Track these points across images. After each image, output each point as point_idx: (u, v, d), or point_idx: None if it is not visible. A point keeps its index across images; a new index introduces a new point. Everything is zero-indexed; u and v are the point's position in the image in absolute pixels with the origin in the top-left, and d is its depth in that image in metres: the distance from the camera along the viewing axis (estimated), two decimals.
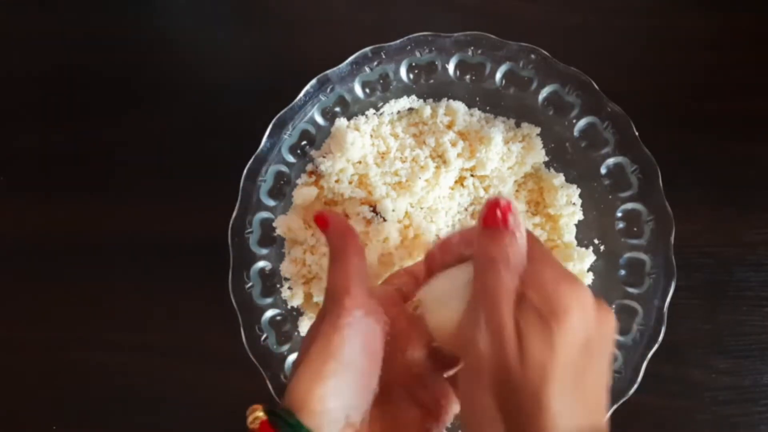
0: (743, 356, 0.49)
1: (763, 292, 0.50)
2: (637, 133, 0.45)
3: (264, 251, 0.46)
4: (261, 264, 0.46)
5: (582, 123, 0.47)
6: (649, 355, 0.42)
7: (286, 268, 0.46)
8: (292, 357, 0.45)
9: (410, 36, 0.47)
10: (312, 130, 0.47)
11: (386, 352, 0.31)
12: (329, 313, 0.29)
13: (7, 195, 0.54)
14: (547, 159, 0.49)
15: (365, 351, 0.29)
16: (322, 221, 0.33)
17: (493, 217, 0.27)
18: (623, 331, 0.43)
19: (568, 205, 0.47)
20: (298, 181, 0.47)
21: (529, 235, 0.28)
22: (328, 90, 0.47)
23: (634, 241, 0.45)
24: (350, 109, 0.48)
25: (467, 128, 0.48)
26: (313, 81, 0.46)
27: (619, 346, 0.43)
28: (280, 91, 0.46)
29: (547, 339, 0.25)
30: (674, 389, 0.49)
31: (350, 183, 0.46)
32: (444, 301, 0.30)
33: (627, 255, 0.45)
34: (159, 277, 0.51)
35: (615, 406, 0.41)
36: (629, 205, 0.46)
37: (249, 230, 0.45)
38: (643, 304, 0.43)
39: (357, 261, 0.31)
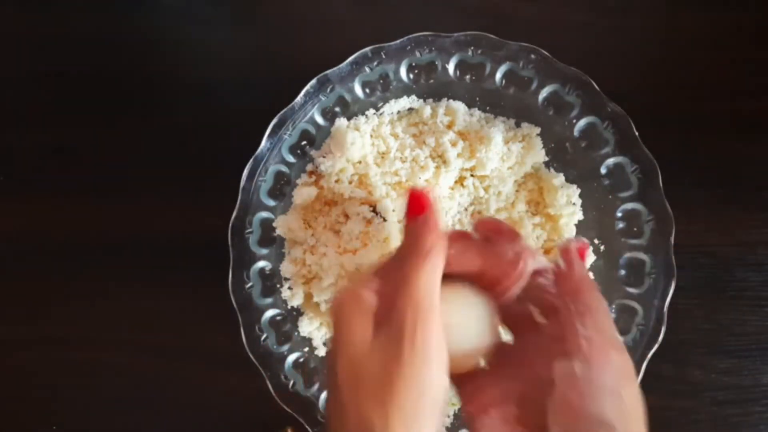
0: (743, 356, 0.49)
1: (763, 292, 0.50)
2: (637, 133, 0.45)
3: (264, 251, 0.46)
4: (261, 264, 0.46)
5: (582, 123, 0.47)
6: (649, 355, 0.42)
7: (286, 268, 0.46)
8: (292, 357, 0.45)
9: (410, 36, 0.47)
10: (312, 130, 0.47)
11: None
12: (419, 340, 0.26)
13: (7, 195, 0.54)
14: (547, 159, 0.49)
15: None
16: (417, 205, 0.30)
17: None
18: (623, 331, 0.43)
19: (568, 205, 0.47)
20: (298, 181, 0.47)
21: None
22: (328, 90, 0.47)
23: (634, 241, 0.45)
24: (350, 109, 0.48)
25: (467, 128, 0.48)
26: (313, 81, 0.46)
27: None
28: (280, 91, 0.46)
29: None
30: (674, 389, 0.49)
31: (350, 183, 0.46)
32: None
33: (627, 255, 0.45)
34: (158, 277, 0.51)
35: None
36: (629, 205, 0.46)
37: (249, 230, 0.45)
38: (643, 304, 0.43)
39: (442, 264, 0.29)
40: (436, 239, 0.29)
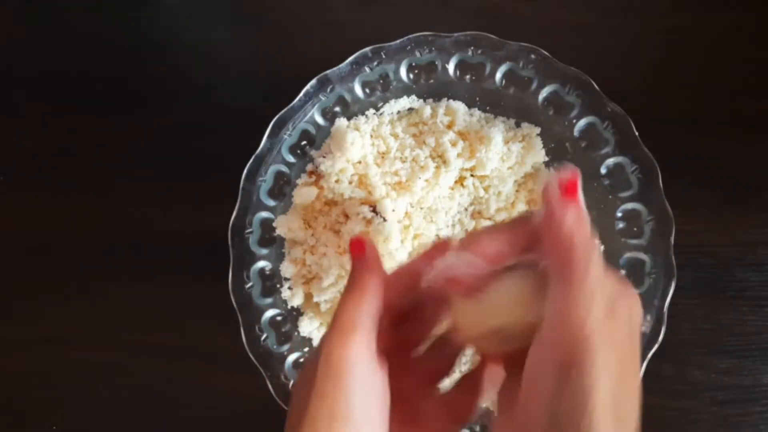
0: (743, 356, 0.49)
1: (763, 292, 0.50)
2: (637, 133, 0.45)
3: (264, 251, 0.46)
4: (261, 264, 0.46)
5: (582, 123, 0.47)
6: (649, 355, 0.42)
7: (286, 268, 0.46)
8: (292, 357, 0.45)
9: (410, 36, 0.47)
10: (312, 130, 0.47)
11: (398, 362, 0.30)
12: (327, 360, 0.26)
13: (7, 195, 0.54)
14: (547, 159, 0.49)
15: (376, 405, 0.27)
16: (357, 248, 0.31)
17: (571, 191, 0.26)
18: None
19: None
20: (298, 181, 0.47)
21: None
22: (328, 90, 0.47)
23: (634, 241, 0.45)
24: (350, 109, 0.48)
25: (467, 128, 0.48)
26: (313, 81, 0.46)
27: None
28: (280, 91, 0.46)
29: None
30: (674, 389, 0.49)
31: (350, 183, 0.46)
32: (508, 307, 0.28)
33: (627, 255, 0.45)
34: (159, 277, 0.51)
35: None
36: (629, 205, 0.46)
37: (249, 230, 0.45)
38: (643, 304, 0.43)
39: (373, 299, 0.29)
40: (368, 277, 0.30)
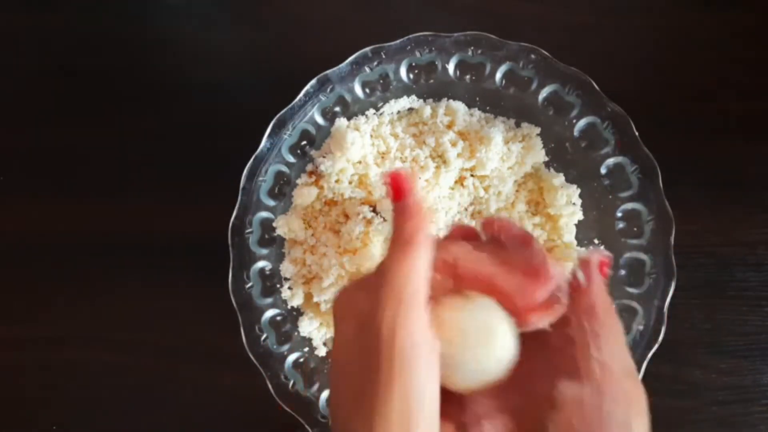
0: (743, 356, 0.49)
1: (763, 292, 0.50)
2: (637, 133, 0.45)
3: (264, 251, 0.46)
4: (261, 264, 0.46)
5: (582, 123, 0.47)
6: (649, 355, 0.42)
7: (286, 268, 0.46)
8: (292, 357, 0.45)
9: (410, 36, 0.47)
10: (312, 130, 0.47)
11: None
12: (391, 341, 0.23)
13: (7, 195, 0.54)
14: (547, 159, 0.49)
15: (437, 390, 0.24)
16: (398, 186, 0.27)
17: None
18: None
19: (568, 205, 0.47)
20: (298, 181, 0.47)
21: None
22: (328, 90, 0.47)
23: (634, 241, 0.45)
24: (350, 109, 0.48)
25: (467, 128, 0.48)
26: (313, 81, 0.46)
27: None
28: (279, 91, 0.46)
29: None
30: (674, 389, 0.49)
31: (350, 183, 0.46)
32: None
33: (627, 255, 0.45)
34: (159, 276, 0.51)
35: None
36: (629, 205, 0.46)
37: (249, 230, 0.45)
38: (643, 304, 0.43)
39: (427, 259, 0.25)
40: (416, 226, 0.26)
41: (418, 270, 0.25)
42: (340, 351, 0.26)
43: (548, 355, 0.27)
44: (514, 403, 0.27)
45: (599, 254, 0.28)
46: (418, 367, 0.23)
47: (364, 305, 0.25)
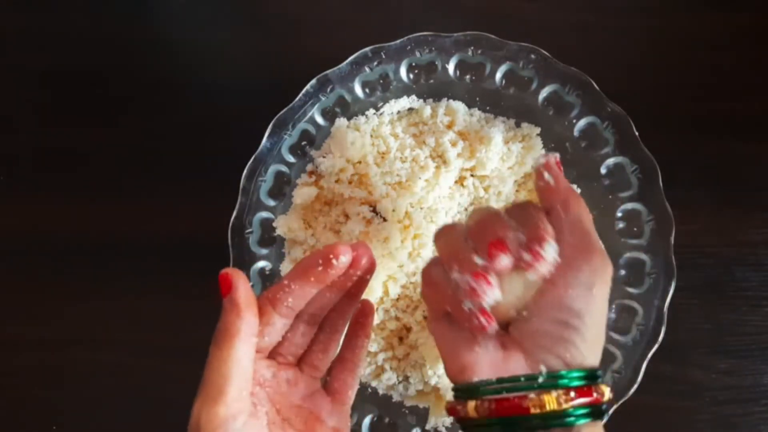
0: (743, 356, 0.49)
1: (763, 292, 0.50)
2: (637, 133, 0.45)
3: (264, 251, 0.46)
4: (261, 264, 0.46)
5: (582, 123, 0.47)
6: (649, 355, 0.42)
7: (286, 268, 0.46)
8: None
9: (410, 36, 0.47)
10: (312, 130, 0.47)
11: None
12: (196, 427, 0.27)
13: (7, 195, 0.54)
14: None
15: None
16: (224, 285, 0.30)
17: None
18: (623, 331, 0.43)
19: None
20: (298, 181, 0.47)
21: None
22: (328, 90, 0.47)
23: (634, 241, 0.45)
24: (350, 109, 0.48)
25: (467, 128, 0.48)
26: (313, 81, 0.46)
27: (619, 346, 0.43)
28: (280, 91, 0.46)
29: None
30: (674, 389, 0.49)
31: (350, 183, 0.46)
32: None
33: (627, 255, 0.45)
34: (159, 276, 0.51)
35: (615, 406, 0.41)
36: (629, 205, 0.46)
37: (249, 230, 0.45)
38: (643, 304, 0.43)
39: (246, 348, 0.29)
40: (232, 320, 0.30)
41: (232, 360, 0.29)
42: None
43: None
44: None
45: (553, 156, 0.34)
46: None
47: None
